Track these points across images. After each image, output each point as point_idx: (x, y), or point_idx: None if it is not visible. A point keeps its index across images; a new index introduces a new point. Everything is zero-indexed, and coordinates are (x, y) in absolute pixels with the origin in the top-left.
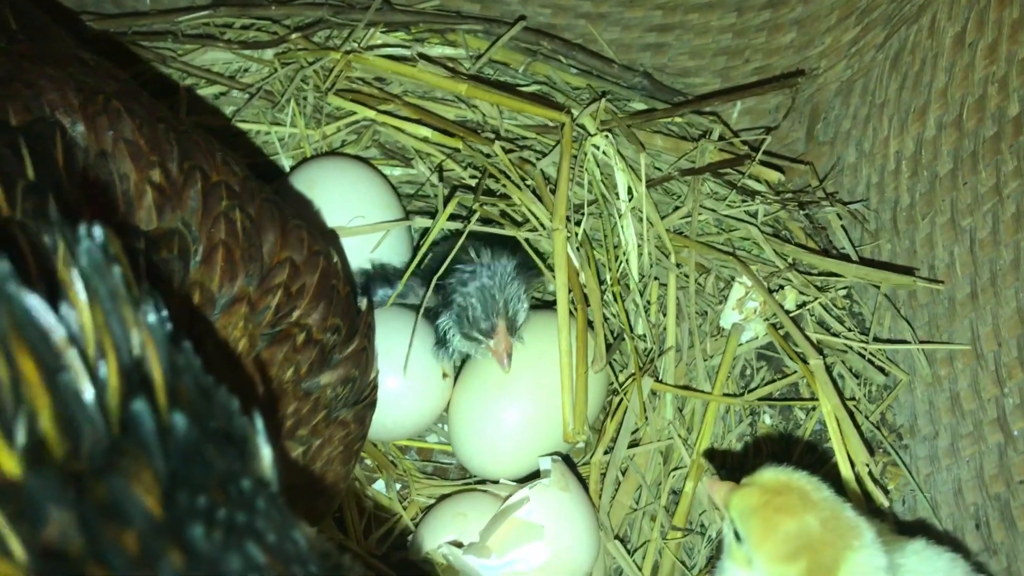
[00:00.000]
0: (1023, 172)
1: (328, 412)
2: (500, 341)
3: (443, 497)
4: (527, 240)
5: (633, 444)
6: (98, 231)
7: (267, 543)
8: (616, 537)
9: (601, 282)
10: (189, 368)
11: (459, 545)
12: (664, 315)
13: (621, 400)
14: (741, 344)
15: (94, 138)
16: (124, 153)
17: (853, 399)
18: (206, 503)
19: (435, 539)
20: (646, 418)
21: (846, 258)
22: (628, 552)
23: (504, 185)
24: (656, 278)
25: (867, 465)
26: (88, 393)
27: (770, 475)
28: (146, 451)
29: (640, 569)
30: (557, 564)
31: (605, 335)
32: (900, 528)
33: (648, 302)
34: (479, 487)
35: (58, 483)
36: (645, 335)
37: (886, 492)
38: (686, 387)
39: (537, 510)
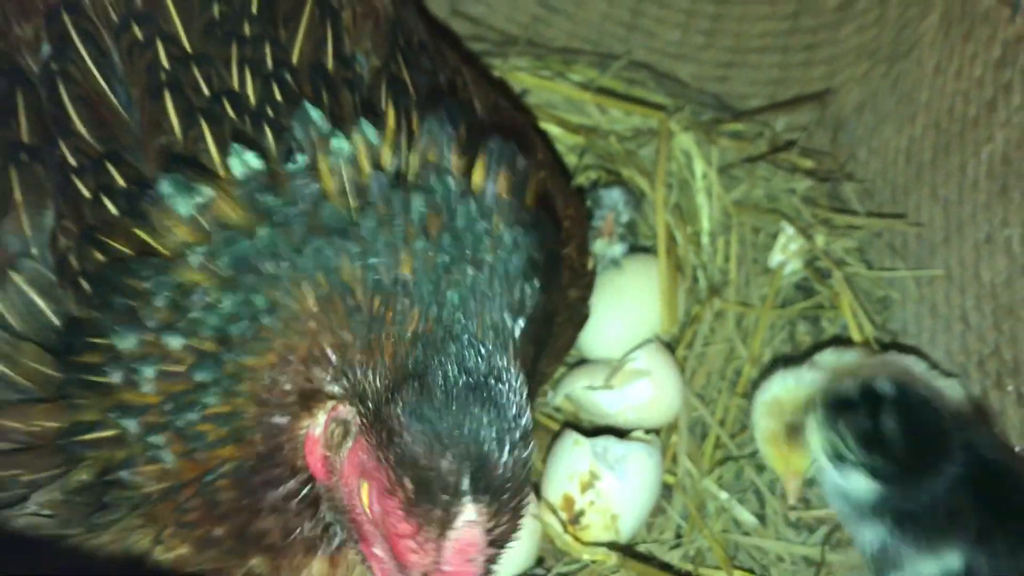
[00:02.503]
0: (978, 156)
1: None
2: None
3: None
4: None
5: (706, 344)
6: None
7: None
8: (695, 394)
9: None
10: None
11: (591, 387)
12: (727, 259)
13: (699, 313)
14: (784, 276)
15: None
16: None
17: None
18: None
19: (571, 384)
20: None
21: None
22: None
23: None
24: (723, 235)
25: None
26: None
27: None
28: None
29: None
30: (656, 401)
31: (687, 267)
32: None
33: (716, 249)
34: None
35: None
36: (713, 272)
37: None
38: (743, 303)
39: (644, 361)
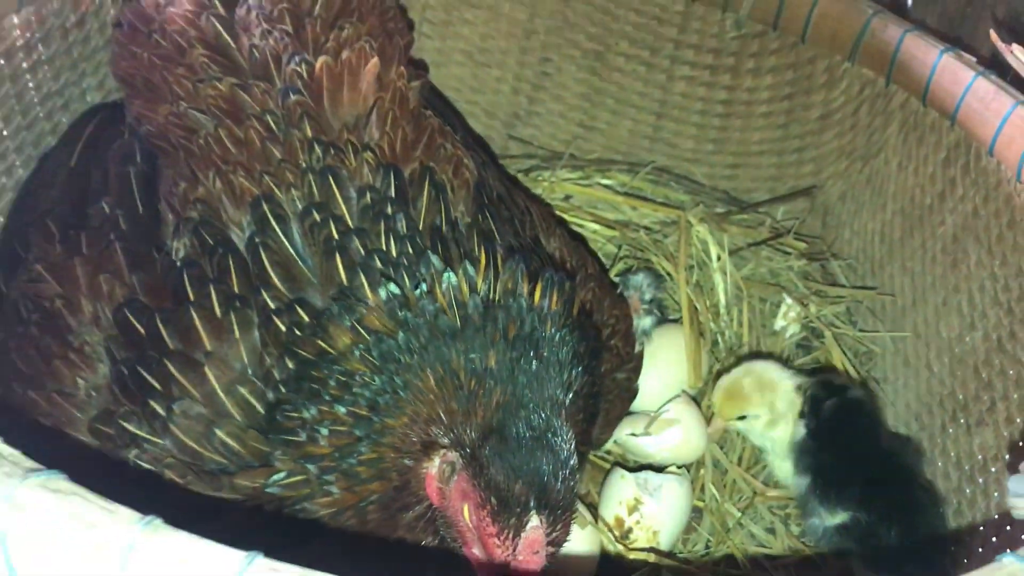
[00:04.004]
0: (935, 236)
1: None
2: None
3: None
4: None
5: None
6: None
7: None
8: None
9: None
10: None
11: (633, 435)
12: (740, 325)
13: (719, 370)
14: (786, 338)
15: None
16: None
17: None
18: None
19: (618, 433)
20: None
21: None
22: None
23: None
24: (736, 306)
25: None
26: None
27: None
28: None
29: (727, 456)
30: (685, 443)
31: (707, 333)
32: None
33: (731, 318)
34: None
35: None
36: (730, 336)
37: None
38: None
39: (674, 411)
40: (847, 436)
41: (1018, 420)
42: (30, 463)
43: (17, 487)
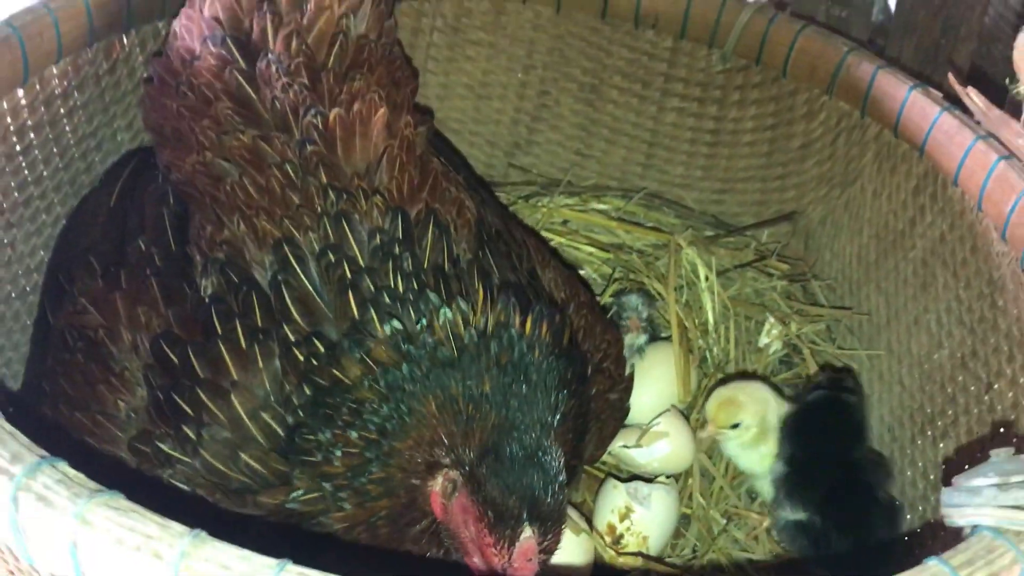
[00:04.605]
0: (907, 259)
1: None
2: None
3: None
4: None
5: None
6: None
7: None
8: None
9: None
10: None
11: (625, 446)
12: (727, 342)
13: (707, 385)
14: (769, 354)
15: None
16: None
17: None
18: None
19: (611, 445)
20: None
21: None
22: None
23: (639, 274)
24: (723, 323)
25: None
26: None
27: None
28: None
29: (715, 467)
30: (674, 455)
31: (695, 350)
32: None
33: (718, 335)
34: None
35: None
36: (717, 352)
37: None
38: (743, 373)
39: (664, 425)
40: (825, 437)
41: (977, 433)
42: (93, 484)
43: (84, 505)
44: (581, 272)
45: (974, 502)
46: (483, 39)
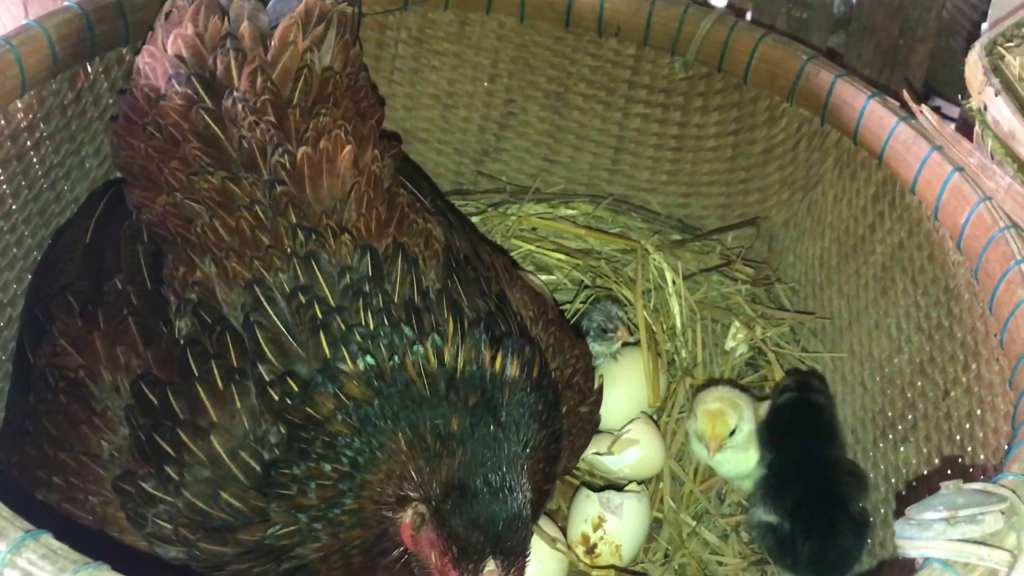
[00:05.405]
0: (867, 264)
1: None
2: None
3: None
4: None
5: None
6: None
7: None
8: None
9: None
10: None
11: (597, 453)
12: (695, 345)
13: (675, 388)
14: (735, 357)
15: None
16: None
17: None
18: None
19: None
20: (686, 400)
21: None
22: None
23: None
24: (690, 327)
25: None
26: None
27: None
28: None
29: (685, 471)
30: (644, 461)
31: (664, 353)
32: None
33: (686, 339)
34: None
35: None
36: (685, 356)
37: None
38: (711, 379)
39: (634, 432)
40: (797, 439)
41: (935, 440)
42: (77, 556)
43: None
44: (552, 277)
45: (924, 536)
46: (448, 49)
